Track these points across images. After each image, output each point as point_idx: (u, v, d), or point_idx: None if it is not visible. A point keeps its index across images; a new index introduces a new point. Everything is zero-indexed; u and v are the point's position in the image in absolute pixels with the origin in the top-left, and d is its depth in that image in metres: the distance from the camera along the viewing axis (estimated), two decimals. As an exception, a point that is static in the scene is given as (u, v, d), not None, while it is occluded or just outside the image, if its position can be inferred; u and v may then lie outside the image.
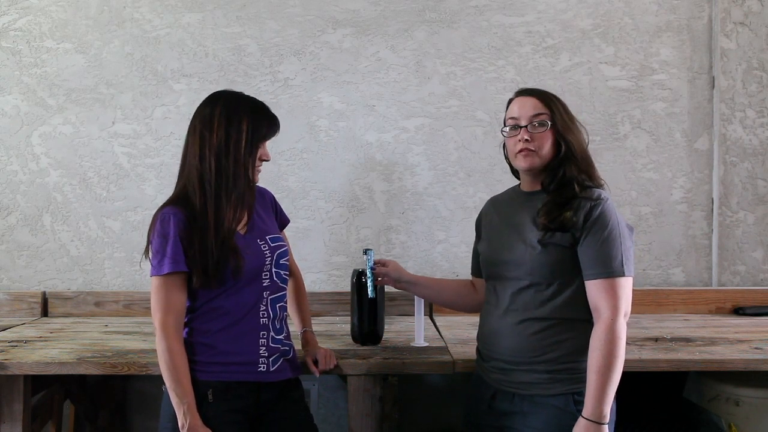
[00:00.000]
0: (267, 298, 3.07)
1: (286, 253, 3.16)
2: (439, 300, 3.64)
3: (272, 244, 3.11)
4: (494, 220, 3.16)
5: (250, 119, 3.00)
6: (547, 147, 2.93)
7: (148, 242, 2.95)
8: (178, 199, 2.99)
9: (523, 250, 2.91)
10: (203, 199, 2.94)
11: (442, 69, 4.86)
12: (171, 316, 2.87)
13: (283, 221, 3.40)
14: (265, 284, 3.06)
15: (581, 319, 2.85)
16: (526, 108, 2.97)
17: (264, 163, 3.08)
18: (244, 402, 2.98)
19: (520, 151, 2.93)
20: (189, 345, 2.93)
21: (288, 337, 3.15)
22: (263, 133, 3.01)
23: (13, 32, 4.85)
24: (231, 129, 2.96)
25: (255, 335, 3.02)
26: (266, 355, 3.03)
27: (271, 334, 3.06)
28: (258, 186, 3.23)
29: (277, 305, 3.10)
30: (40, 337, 4.05)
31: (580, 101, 4.80)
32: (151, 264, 2.91)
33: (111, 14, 4.87)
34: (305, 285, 3.55)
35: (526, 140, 2.90)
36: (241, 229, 3.06)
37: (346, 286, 4.13)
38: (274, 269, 3.09)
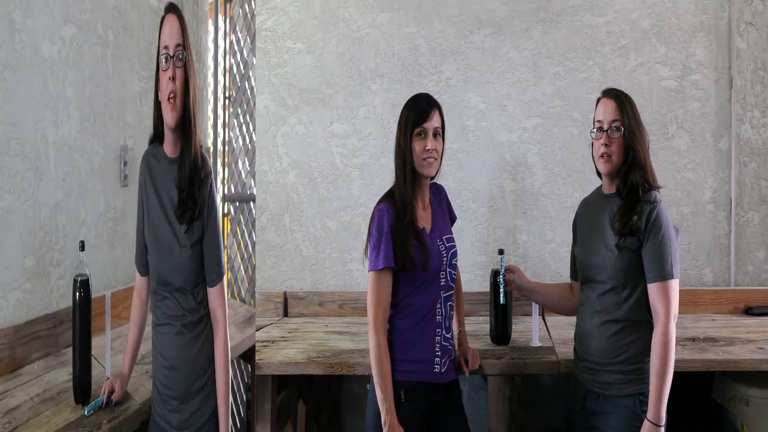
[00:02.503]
0: (442, 296, 3.20)
1: (457, 253, 3.31)
2: (546, 304, 3.87)
3: (447, 245, 3.25)
4: (585, 224, 3.32)
5: (404, 112, 3.20)
6: (619, 153, 3.08)
7: (369, 237, 3.15)
8: (389, 195, 3.21)
9: (605, 254, 3.08)
10: (396, 192, 3.15)
11: (551, 69, 5.04)
12: (381, 310, 3.07)
13: (452, 218, 3.49)
14: (441, 283, 3.20)
15: (645, 320, 3.05)
16: (608, 111, 3.11)
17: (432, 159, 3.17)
18: (424, 402, 3.15)
19: (601, 155, 3.12)
20: (388, 343, 3.10)
21: (453, 336, 3.32)
22: (413, 120, 3.13)
23: (264, 32, 5.17)
24: (398, 127, 3.21)
25: (432, 333, 3.18)
26: (440, 354, 3.19)
27: (444, 332, 3.21)
28: (434, 182, 3.37)
29: (448, 304, 3.24)
30: (282, 337, 4.37)
31: (642, 102, 4.80)
32: (369, 259, 3.11)
33: (330, 14, 5.13)
34: None
35: (605, 145, 3.09)
36: (427, 227, 3.21)
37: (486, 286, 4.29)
38: (448, 269, 3.22)
